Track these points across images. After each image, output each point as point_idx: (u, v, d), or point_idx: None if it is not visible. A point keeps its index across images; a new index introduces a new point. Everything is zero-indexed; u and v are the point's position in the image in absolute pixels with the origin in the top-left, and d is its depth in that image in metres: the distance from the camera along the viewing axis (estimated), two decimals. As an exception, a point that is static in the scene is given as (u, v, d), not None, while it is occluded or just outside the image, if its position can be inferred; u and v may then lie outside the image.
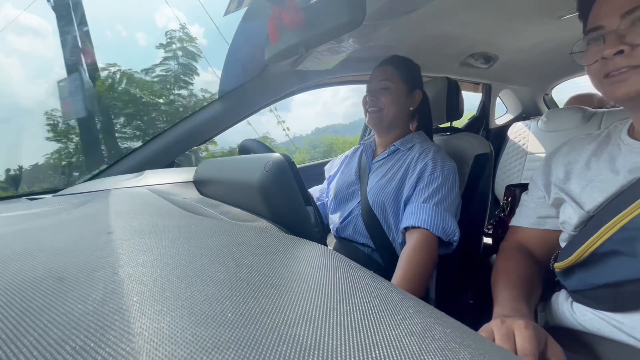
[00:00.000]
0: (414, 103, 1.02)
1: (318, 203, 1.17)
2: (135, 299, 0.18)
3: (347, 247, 0.99)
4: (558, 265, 0.58)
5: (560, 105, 2.35)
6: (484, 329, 0.47)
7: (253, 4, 0.67)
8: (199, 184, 0.79)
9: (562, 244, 0.61)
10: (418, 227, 0.80)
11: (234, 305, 0.18)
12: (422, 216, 0.81)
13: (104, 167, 1.16)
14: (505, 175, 1.73)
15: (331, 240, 1.08)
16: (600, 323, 0.51)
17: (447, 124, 1.22)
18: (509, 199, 1.12)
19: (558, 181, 0.62)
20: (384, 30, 1.17)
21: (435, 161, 0.88)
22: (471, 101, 2.14)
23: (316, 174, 1.41)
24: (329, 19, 0.67)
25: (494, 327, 0.46)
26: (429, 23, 1.18)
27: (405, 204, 0.89)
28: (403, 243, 0.90)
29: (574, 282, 0.56)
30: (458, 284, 1.05)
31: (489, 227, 1.15)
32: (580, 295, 0.56)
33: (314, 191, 1.23)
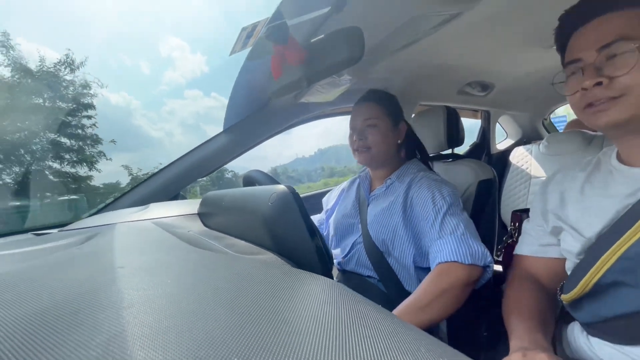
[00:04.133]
0: (401, 136, 1.00)
1: None
2: (138, 343, 0.17)
3: (352, 278, 0.97)
4: (564, 298, 0.56)
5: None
6: None
7: (257, 44, 0.71)
8: (203, 216, 0.79)
9: (569, 272, 0.60)
10: (446, 262, 0.75)
11: (239, 348, 0.18)
12: (445, 249, 0.76)
13: (109, 200, 1.18)
14: (510, 201, 1.71)
15: (334, 273, 1.06)
16: (619, 357, 0.49)
17: (449, 151, 1.23)
18: (516, 224, 1.10)
19: (554, 209, 0.63)
20: (382, 64, 1.22)
21: (433, 192, 0.86)
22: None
23: (317, 203, 1.41)
24: (330, 55, 0.70)
25: None
26: (424, 55, 1.23)
27: (419, 245, 0.87)
28: (410, 274, 0.88)
29: (583, 315, 0.55)
30: (470, 315, 1.01)
31: (498, 253, 1.13)
32: (593, 328, 0.54)
33: (313, 221, 1.21)
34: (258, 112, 1.28)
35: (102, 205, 1.16)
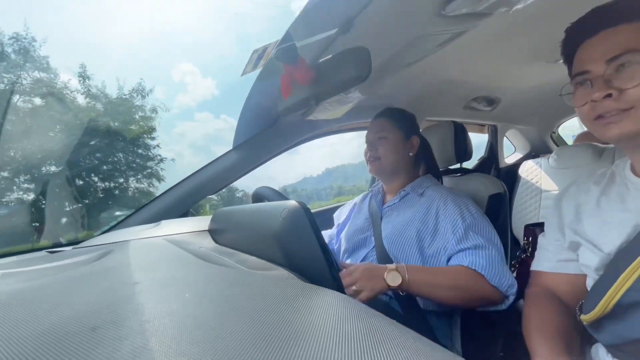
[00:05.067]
0: (413, 149, 1.04)
1: None
2: (164, 354, 0.18)
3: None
4: (584, 319, 0.54)
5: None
6: None
7: (267, 65, 0.74)
8: (214, 232, 0.80)
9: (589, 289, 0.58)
10: (474, 270, 0.76)
11: (261, 360, 0.18)
12: (478, 262, 0.76)
13: (122, 218, 1.19)
14: (522, 215, 1.68)
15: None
16: None
17: (457, 165, 1.23)
18: (530, 239, 1.08)
19: (571, 223, 0.61)
20: (388, 81, 1.24)
21: (458, 206, 0.87)
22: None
23: (326, 219, 1.40)
24: (338, 75, 0.72)
25: None
26: (429, 72, 1.25)
27: (440, 260, 0.86)
28: None
29: (606, 336, 0.52)
30: (485, 333, 0.98)
31: (512, 269, 1.10)
32: (618, 350, 0.51)
33: (324, 236, 1.21)
34: (267, 129, 1.31)
35: (115, 222, 1.18)
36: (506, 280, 0.76)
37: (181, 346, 0.19)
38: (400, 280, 0.70)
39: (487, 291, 0.74)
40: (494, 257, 0.77)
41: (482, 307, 0.78)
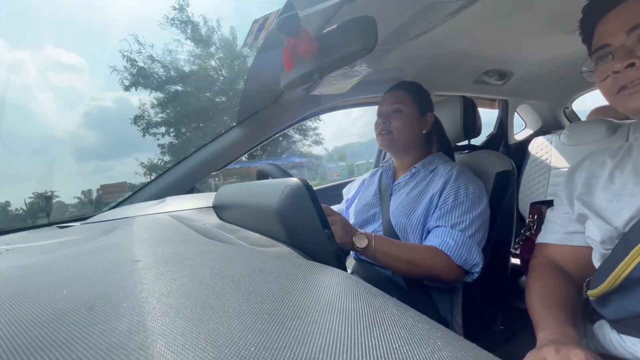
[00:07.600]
0: (427, 126, 1.01)
1: None
2: (159, 332, 0.18)
3: (368, 270, 0.97)
4: (591, 294, 0.54)
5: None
6: (534, 356, 0.44)
7: (269, 37, 0.71)
8: (218, 209, 0.81)
9: (596, 264, 0.57)
10: (442, 250, 0.79)
11: (256, 339, 0.18)
12: (448, 241, 0.79)
13: (128, 194, 1.21)
14: (529, 192, 1.66)
15: (350, 262, 1.06)
16: None
17: (465, 142, 1.21)
18: (535, 216, 1.07)
19: (581, 195, 0.61)
20: (396, 53, 1.20)
21: (459, 184, 0.87)
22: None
23: (334, 196, 1.40)
24: (342, 46, 0.69)
25: (547, 355, 0.42)
26: (439, 44, 1.20)
27: (429, 229, 0.87)
28: None
29: (611, 311, 0.53)
30: (486, 308, 0.99)
31: (516, 246, 1.10)
32: (622, 325, 0.52)
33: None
34: (270, 105, 1.29)
35: (121, 198, 1.20)
36: (472, 260, 0.79)
37: (177, 324, 0.19)
38: (366, 244, 0.76)
39: (451, 270, 0.78)
40: (466, 237, 0.80)
41: (446, 281, 0.83)
